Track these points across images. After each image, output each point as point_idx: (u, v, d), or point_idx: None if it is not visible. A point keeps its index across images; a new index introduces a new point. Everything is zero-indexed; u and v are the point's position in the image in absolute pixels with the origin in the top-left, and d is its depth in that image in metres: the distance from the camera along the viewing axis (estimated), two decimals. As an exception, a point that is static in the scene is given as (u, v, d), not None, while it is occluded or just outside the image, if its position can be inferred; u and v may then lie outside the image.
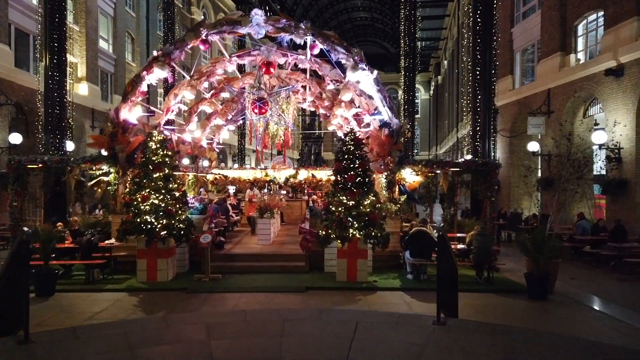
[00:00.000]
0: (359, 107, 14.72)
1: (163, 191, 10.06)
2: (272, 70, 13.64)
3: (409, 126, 13.17)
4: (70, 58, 22.30)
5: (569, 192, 10.50)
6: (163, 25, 25.39)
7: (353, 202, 10.14)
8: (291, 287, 9.74)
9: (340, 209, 10.18)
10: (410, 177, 12.56)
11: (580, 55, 17.19)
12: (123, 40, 26.91)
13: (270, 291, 9.50)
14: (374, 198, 10.38)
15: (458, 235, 13.33)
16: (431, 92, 65.75)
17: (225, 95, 16.83)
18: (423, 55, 64.26)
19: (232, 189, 21.88)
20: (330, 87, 14.90)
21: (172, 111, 14.31)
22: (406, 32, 25.32)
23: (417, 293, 9.54)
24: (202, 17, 37.67)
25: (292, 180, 23.32)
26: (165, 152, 10.36)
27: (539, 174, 19.11)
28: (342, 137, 10.73)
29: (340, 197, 10.24)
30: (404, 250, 11.10)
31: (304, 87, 17.60)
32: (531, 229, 17.10)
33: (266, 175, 23.53)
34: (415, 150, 51.93)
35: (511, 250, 15.16)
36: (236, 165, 27.56)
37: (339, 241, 10.07)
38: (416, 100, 70.76)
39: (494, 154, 22.89)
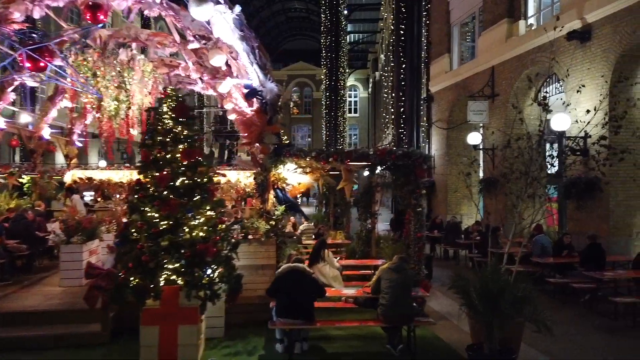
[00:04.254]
0: (237, 76, 10.22)
1: None
2: (101, 17, 8.76)
3: (294, 97, 8.66)
4: None
5: (529, 197, 6.54)
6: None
7: (169, 223, 5.56)
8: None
9: (144, 234, 5.55)
10: (294, 176, 8.13)
11: (532, 21, 13.62)
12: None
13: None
14: (211, 213, 5.86)
15: (379, 262, 8.97)
16: (370, 89, 62.56)
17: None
18: (360, 51, 60.97)
19: (89, 196, 16.62)
20: (194, 45, 10.20)
21: None
22: (327, 5, 21.17)
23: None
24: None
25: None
26: None
27: (482, 173, 15.45)
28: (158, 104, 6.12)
29: (147, 214, 5.61)
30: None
31: (175, 55, 12.86)
32: (476, 245, 13.36)
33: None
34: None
35: (448, 273, 11.12)
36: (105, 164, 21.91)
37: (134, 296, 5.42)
38: (355, 99, 67.70)
39: (425, 145, 19.21)
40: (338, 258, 9.17)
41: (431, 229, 15.03)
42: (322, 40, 21.73)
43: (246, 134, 7.58)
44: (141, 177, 5.76)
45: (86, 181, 17.41)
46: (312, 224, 14.89)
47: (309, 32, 66.79)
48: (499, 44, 14.25)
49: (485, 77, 15.15)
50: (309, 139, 59.32)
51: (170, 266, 5.51)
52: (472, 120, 14.76)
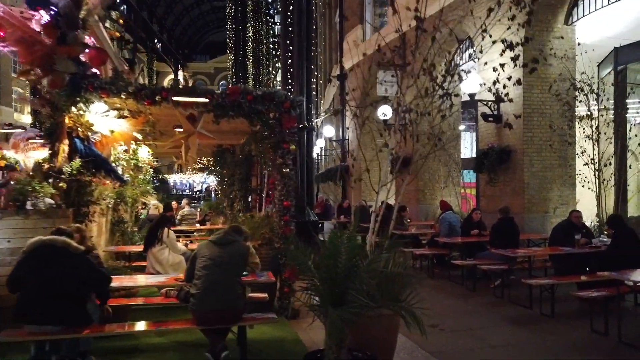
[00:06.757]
0: None
1: None
2: None
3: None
4: None
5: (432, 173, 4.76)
6: None
7: None
8: None
9: None
10: (106, 122, 5.83)
11: (444, -24, 12.20)
12: None
13: None
14: None
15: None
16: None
17: None
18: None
19: None
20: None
21: None
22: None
23: None
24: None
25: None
26: None
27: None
28: None
29: None
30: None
31: None
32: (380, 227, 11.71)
33: (1, 158, 15.24)
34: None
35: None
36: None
37: None
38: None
39: (339, 127, 17.50)
40: (189, 242, 7.00)
41: (338, 215, 13.42)
42: (227, 11, 19.45)
43: (26, 58, 5.20)
44: None
45: None
46: (199, 210, 12.64)
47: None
48: (410, 5, 12.74)
49: (397, 45, 13.62)
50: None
51: None
52: (381, 92, 13.17)
